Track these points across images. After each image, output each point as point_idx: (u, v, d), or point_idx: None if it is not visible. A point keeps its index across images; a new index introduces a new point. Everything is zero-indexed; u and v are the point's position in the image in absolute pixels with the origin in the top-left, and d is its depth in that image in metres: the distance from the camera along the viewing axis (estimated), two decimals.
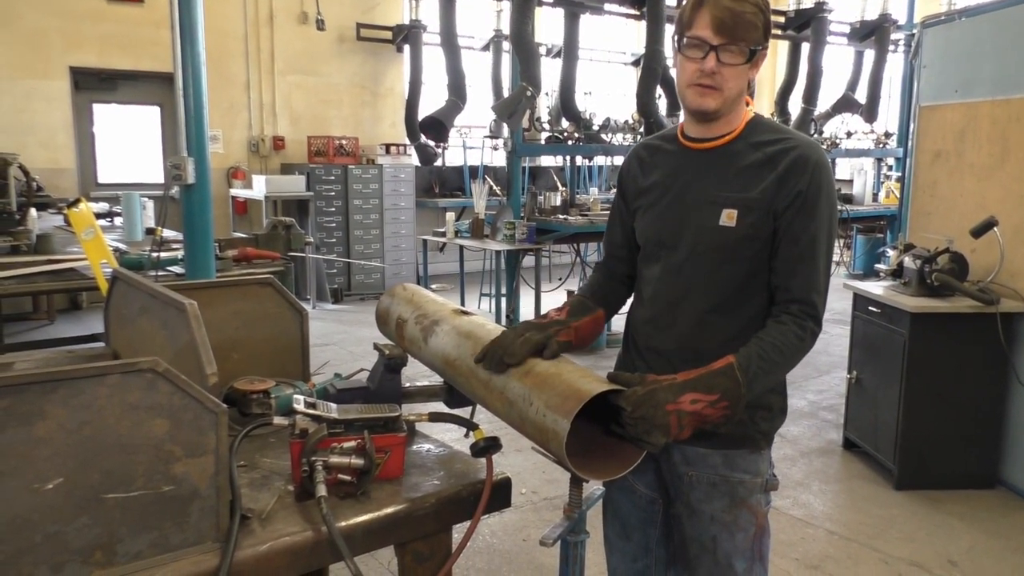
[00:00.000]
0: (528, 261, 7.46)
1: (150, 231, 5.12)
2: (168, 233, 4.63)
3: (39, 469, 1.20)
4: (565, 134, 7.96)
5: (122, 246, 4.54)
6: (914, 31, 6.13)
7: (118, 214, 6.23)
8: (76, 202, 3.11)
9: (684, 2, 1.65)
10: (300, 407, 1.58)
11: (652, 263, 1.79)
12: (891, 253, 4.70)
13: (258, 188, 8.55)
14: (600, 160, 10.62)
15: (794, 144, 1.64)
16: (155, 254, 3.70)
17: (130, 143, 9.01)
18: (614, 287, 1.94)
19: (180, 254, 3.89)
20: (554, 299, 7.69)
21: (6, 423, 1.17)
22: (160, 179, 8.65)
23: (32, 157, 7.23)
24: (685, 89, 1.66)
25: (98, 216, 5.52)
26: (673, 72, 1.82)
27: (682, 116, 1.79)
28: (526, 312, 7.41)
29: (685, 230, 1.70)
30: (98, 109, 8.81)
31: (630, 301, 1.93)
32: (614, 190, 1.96)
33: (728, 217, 1.64)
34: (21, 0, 7.84)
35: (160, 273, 3.71)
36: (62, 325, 7.64)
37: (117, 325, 1.98)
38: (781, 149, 1.63)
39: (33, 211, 4.95)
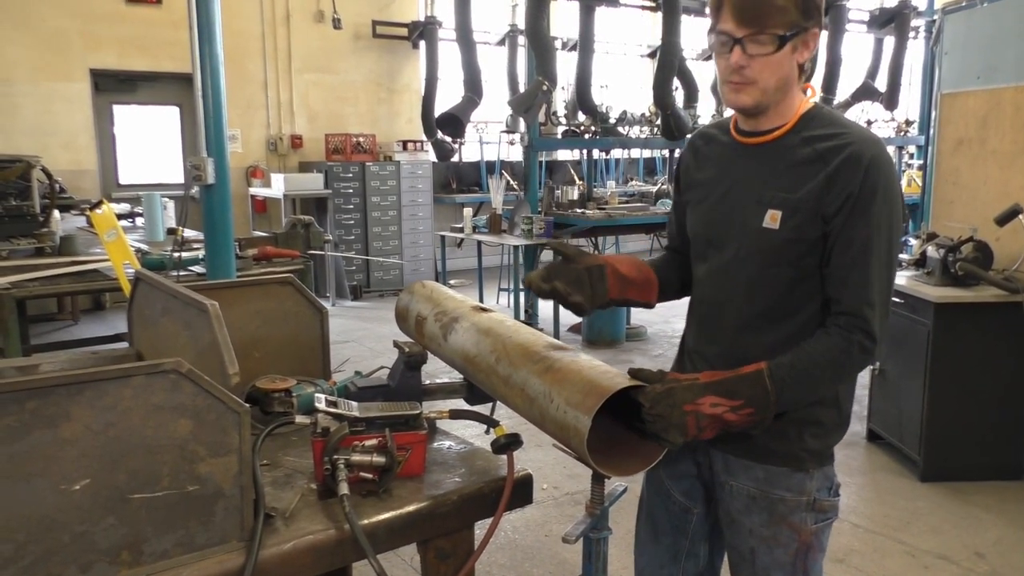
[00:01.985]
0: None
1: (171, 231, 5.17)
2: (189, 233, 4.68)
3: (66, 470, 1.22)
4: (582, 128, 7.94)
5: (144, 246, 4.58)
6: (935, 17, 6.06)
7: (139, 215, 6.29)
8: (99, 204, 3.14)
9: None
10: (321, 406, 1.59)
11: (700, 262, 1.73)
12: (914, 242, 4.64)
13: (277, 187, 8.60)
14: (617, 153, 10.58)
15: (848, 140, 1.50)
16: (176, 254, 3.73)
17: (150, 144, 9.09)
18: (678, 262, 1.87)
19: (201, 254, 3.92)
20: None
21: (33, 425, 1.19)
22: (180, 179, 8.73)
23: (54, 159, 7.32)
24: (722, 87, 1.58)
25: (120, 217, 5.57)
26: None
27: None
28: (545, 307, 7.40)
29: (732, 230, 1.62)
30: (118, 110, 8.89)
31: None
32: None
33: (772, 219, 1.54)
34: (41, 2, 7.92)
35: (182, 273, 3.74)
36: (86, 325, 7.74)
37: (140, 326, 1.99)
38: (834, 146, 1.51)
39: (56, 213, 5.00)
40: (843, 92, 10.01)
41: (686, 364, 1.78)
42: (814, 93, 1.64)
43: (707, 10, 1.60)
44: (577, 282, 1.66)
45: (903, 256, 4.64)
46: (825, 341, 1.52)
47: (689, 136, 1.86)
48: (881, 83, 10.29)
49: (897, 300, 4.21)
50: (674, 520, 1.82)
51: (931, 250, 4.12)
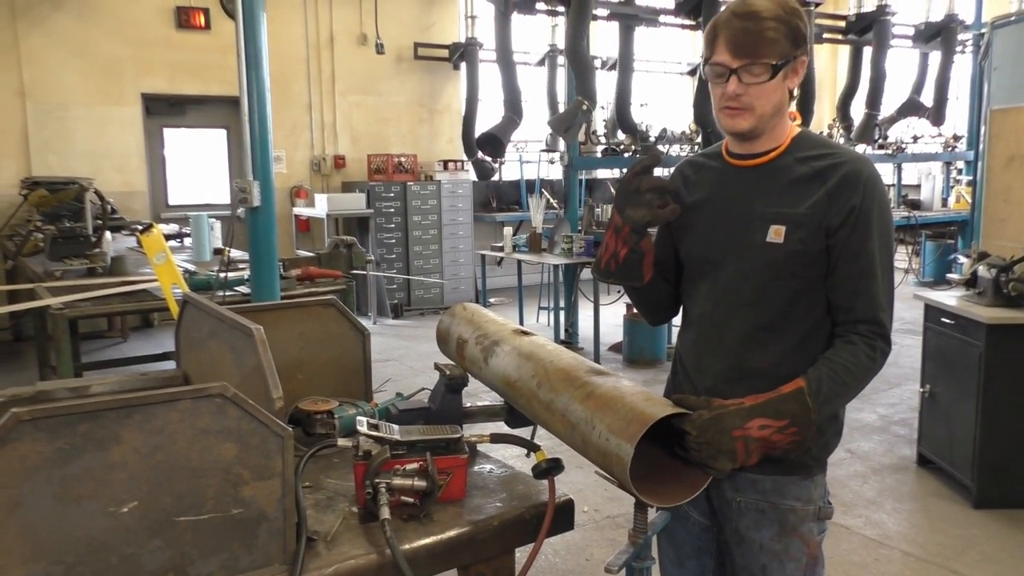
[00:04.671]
0: (586, 274, 7.42)
1: (218, 251, 5.27)
2: (235, 253, 4.76)
3: (115, 492, 1.24)
4: (621, 147, 7.92)
5: (191, 266, 4.68)
6: (983, 31, 5.94)
7: (187, 235, 6.43)
8: (148, 227, 3.21)
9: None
10: (363, 429, 1.60)
11: (699, 281, 1.76)
12: (964, 261, 4.53)
13: (320, 206, 8.73)
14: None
15: (844, 159, 1.60)
16: (223, 274, 3.80)
17: (199, 165, 9.31)
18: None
19: (247, 274, 3.98)
20: (613, 312, 7.65)
21: (84, 448, 1.21)
22: (227, 199, 8.90)
23: (107, 180, 7.54)
24: (718, 113, 1.66)
25: (168, 237, 5.71)
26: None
27: None
28: (585, 326, 7.37)
29: (732, 247, 1.67)
30: (168, 133, 9.12)
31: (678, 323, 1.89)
32: None
33: (776, 233, 1.60)
34: (96, 31, 8.19)
35: (228, 293, 3.80)
36: (135, 343, 7.91)
37: (187, 347, 2.03)
38: (830, 164, 1.60)
39: (108, 234, 5.14)
40: (888, 107, 9.84)
41: (684, 384, 1.77)
42: (798, 118, 1.70)
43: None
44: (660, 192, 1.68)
45: (953, 276, 4.54)
46: (852, 350, 1.58)
47: (677, 165, 1.89)
48: (927, 98, 10.10)
49: (947, 321, 4.11)
50: (696, 541, 1.82)
51: (982, 270, 4.01)
